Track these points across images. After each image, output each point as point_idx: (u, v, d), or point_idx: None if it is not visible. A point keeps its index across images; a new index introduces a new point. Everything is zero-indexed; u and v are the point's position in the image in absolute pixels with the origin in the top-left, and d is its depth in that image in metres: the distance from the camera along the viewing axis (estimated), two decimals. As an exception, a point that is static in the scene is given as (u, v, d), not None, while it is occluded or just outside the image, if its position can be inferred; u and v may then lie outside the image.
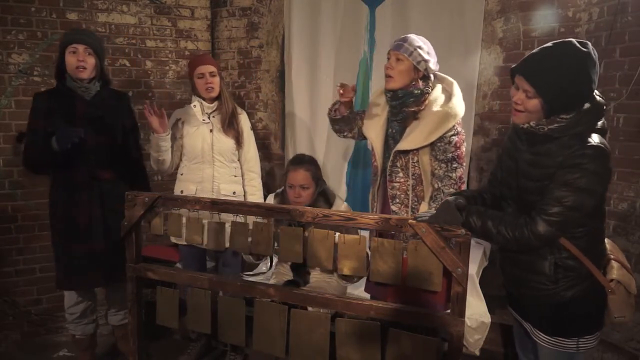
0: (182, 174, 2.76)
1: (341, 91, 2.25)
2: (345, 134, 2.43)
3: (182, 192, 2.71)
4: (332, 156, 3.57)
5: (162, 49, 3.57)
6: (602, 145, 1.51)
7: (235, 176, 2.78)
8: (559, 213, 1.50)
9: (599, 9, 2.68)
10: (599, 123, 1.56)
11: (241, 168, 2.82)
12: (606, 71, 2.58)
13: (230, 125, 2.71)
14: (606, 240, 1.73)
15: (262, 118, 3.75)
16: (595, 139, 1.52)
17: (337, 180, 3.58)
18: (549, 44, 1.56)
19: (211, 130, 2.69)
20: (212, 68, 2.67)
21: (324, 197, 2.46)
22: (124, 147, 2.56)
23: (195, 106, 2.72)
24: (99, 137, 2.44)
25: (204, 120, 2.70)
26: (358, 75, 3.43)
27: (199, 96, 2.72)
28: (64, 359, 3.08)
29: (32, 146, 2.40)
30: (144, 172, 2.76)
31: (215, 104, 2.72)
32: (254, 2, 3.64)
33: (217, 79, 2.68)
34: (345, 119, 2.37)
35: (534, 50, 1.58)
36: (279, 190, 2.61)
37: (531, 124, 1.56)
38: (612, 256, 1.68)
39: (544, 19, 2.86)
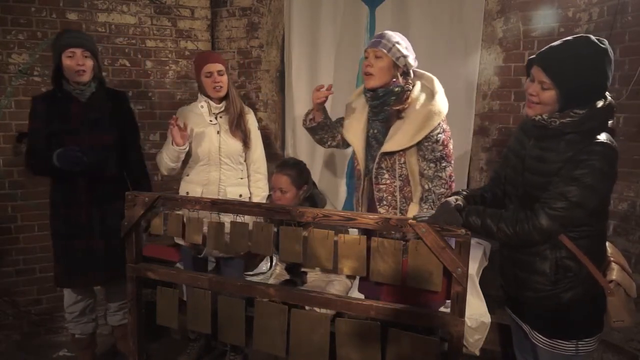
0: (187, 175, 2.66)
1: (317, 92, 2.21)
2: (328, 142, 2.37)
3: (187, 193, 2.60)
4: (332, 156, 3.56)
5: (162, 49, 3.57)
6: (612, 144, 1.51)
7: (241, 178, 2.68)
8: (563, 208, 1.49)
9: (599, 9, 2.68)
10: (609, 123, 1.56)
11: (247, 169, 2.73)
12: (606, 71, 2.58)
13: (237, 127, 2.60)
14: (607, 243, 1.71)
15: (262, 118, 3.74)
16: (605, 137, 1.51)
17: (337, 181, 3.57)
18: (568, 37, 1.55)
19: (218, 132, 2.60)
20: (220, 66, 2.56)
21: (311, 202, 2.46)
22: (123, 147, 2.56)
23: (202, 106, 2.62)
24: (96, 138, 2.44)
25: (211, 121, 2.61)
26: (358, 75, 3.42)
27: (207, 95, 2.61)
28: (64, 359, 3.07)
29: (33, 152, 2.44)
30: (145, 172, 2.75)
31: (223, 104, 2.62)
32: (254, 2, 3.64)
33: (225, 78, 2.58)
34: (322, 125, 2.31)
35: (552, 43, 1.56)
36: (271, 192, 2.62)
37: (544, 116, 1.55)
38: (612, 259, 1.68)
39: (544, 19, 2.85)
